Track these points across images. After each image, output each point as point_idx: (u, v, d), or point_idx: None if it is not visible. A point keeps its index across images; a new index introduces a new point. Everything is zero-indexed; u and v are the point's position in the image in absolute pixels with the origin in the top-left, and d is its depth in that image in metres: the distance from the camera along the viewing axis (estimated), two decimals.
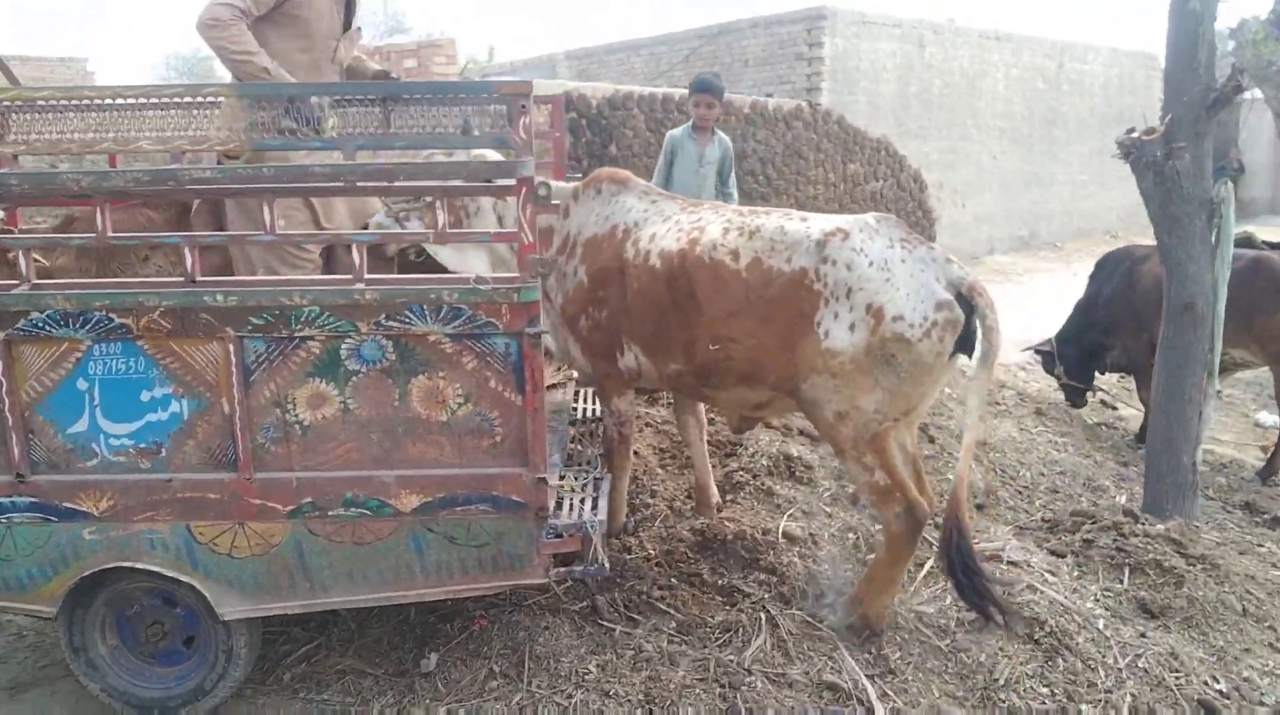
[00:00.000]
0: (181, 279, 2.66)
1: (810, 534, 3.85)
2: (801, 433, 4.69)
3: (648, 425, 4.63)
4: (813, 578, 3.52)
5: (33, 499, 2.78)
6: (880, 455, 3.05)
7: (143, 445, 2.78)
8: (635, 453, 4.36)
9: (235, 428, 2.73)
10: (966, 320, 2.96)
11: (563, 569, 2.89)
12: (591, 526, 2.83)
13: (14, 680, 3.32)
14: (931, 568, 3.67)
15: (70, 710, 3.16)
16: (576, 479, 3.27)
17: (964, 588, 3.05)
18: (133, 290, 2.66)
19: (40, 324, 2.66)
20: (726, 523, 3.78)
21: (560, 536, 2.82)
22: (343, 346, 2.70)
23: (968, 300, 2.97)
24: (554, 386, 4.18)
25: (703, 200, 5.27)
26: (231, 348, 2.68)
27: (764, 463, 4.22)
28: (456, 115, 2.56)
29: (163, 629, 3.01)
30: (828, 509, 4.11)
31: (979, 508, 4.55)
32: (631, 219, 3.43)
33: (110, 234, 2.65)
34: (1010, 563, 3.72)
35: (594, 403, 4.24)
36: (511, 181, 2.60)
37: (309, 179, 2.58)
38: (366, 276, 2.66)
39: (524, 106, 2.54)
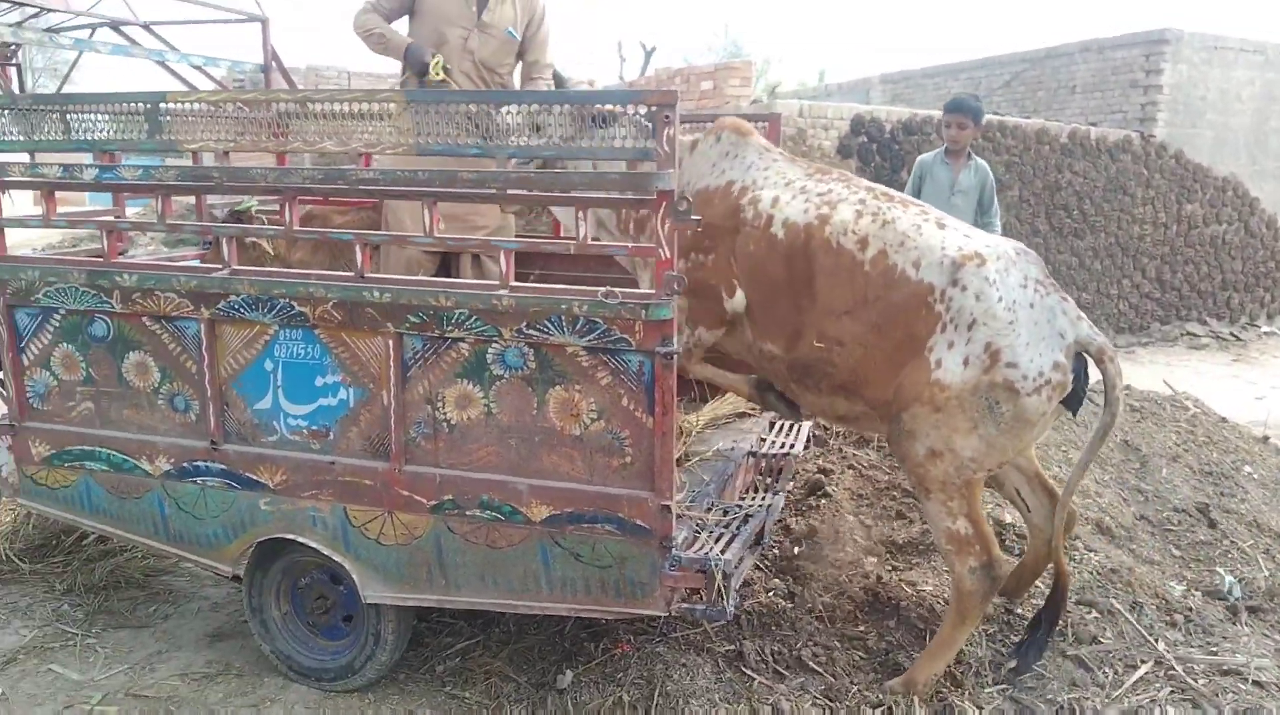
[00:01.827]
0: (351, 274, 2.82)
1: (1007, 611, 3.39)
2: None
3: (850, 467, 4.31)
4: None
5: (223, 466, 3.07)
6: (968, 502, 2.86)
7: (314, 427, 2.97)
8: (827, 495, 4.09)
9: (391, 419, 2.85)
10: (1076, 381, 2.80)
11: (684, 605, 2.74)
12: (715, 565, 2.65)
13: (218, 630, 3.68)
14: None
15: (250, 663, 3.44)
16: (726, 514, 3.10)
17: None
18: (307, 281, 2.86)
19: (237, 306, 2.93)
20: (906, 586, 3.42)
21: (680, 570, 2.67)
22: (489, 351, 2.74)
23: (1097, 362, 2.80)
24: (743, 415, 4.02)
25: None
26: (391, 343, 2.80)
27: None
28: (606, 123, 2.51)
29: (326, 603, 3.21)
30: (1040, 585, 3.60)
31: None
32: (750, 177, 3.15)
33: (295, 228, 2.87)
34: None
35: (788, 435, 4.03)
36: (651, 196, 2.50)
37: (458, 185, 2.64)
38: (512, 283, 2.68)
39: (668, 117, 2.44)
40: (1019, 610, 3.48)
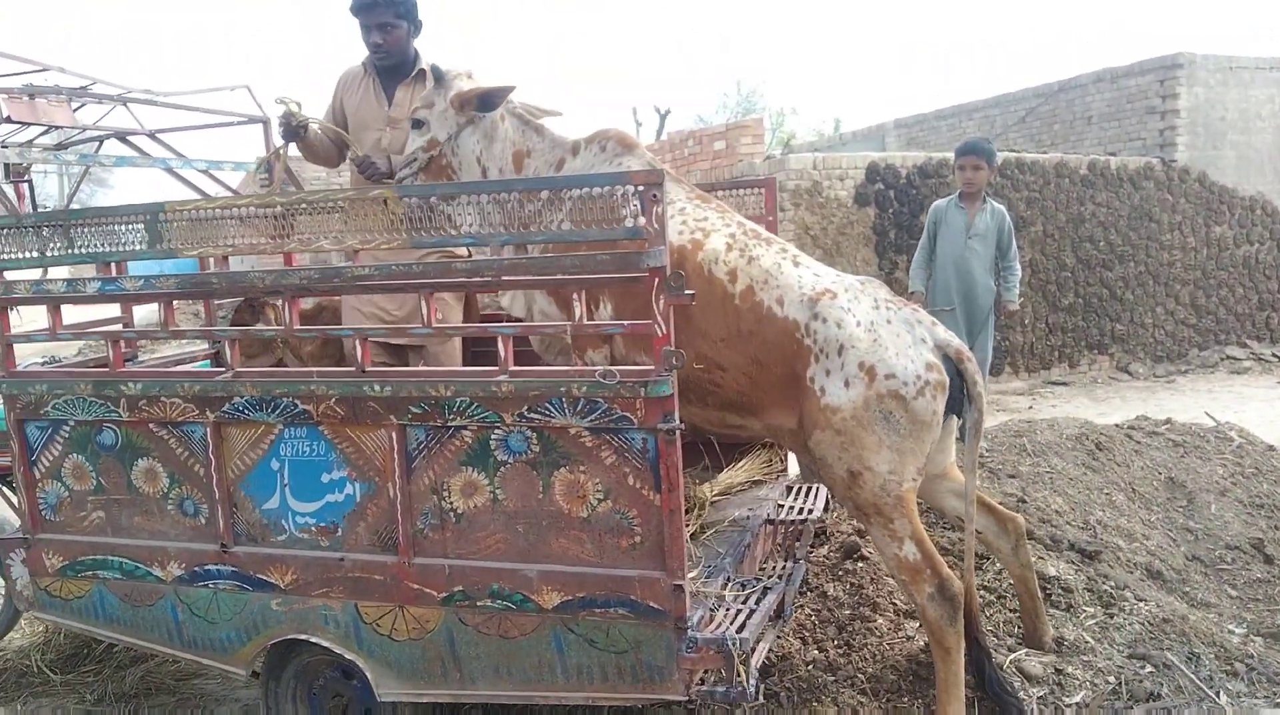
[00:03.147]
0: (353, 369, 2.80)
1: (1056, 671, 3.23)
2: (1071, 547, 4.01)
3: None
4: None
5: (234, 568, 3.03)
6: (909, 522, 2.91)
7: (322, 524, 2.93)
8: (864, 558, 3.96)
9: (398, 512, 2.80)
10: (953, 383, 2.94)
11: (704, 688, 2.63)
12: (733, 644, 2.55)
13: None
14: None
15: None
16: (745, 588, 3.00)
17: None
18: (309, 379, 2.84)
19: (241, 408, 2.92)
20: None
21: (697, 651, 2.57)
22: (492, 437, 2.69)
23: (955, 364, 2.96)
24: (758, 482, 3.92)
25: (976, 277, 4.81)
26: (395, 435, 2.77)
27: (1011, 583, 3.63)
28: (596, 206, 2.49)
29: (342, 701, 3.14)
30: (1090, 640, 3.44)
31: None
32: None
33: (295, 328, 2.87)
34: None
35: (807, 499, 3.92)
36: (643, 273, 2.46)
37: (452, 275, 2.62)
38: (511, 368, 2.65)
39: (655, 196, 2.41)
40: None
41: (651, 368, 2.52)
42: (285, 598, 2.99)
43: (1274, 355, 12.44)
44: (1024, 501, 4.26)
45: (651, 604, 2.59)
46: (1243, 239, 12.32)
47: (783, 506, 3.83)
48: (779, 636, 3.32)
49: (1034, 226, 10.79)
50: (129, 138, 4.38)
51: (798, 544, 3.59)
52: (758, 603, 2.88)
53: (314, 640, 2.96)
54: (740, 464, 4.00)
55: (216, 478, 2.99)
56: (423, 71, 4.00)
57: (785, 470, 4.13)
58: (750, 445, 4.07)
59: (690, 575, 2.93)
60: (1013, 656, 3.26)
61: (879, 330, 2.91)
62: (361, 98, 4.09)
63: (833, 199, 9.63)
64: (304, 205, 2.70)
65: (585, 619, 2.67)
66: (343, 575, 2.90)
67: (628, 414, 2.54)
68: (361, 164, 3.97)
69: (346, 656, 2.91)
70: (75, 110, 4.09)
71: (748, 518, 3.53)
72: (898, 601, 3.64)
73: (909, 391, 2.85)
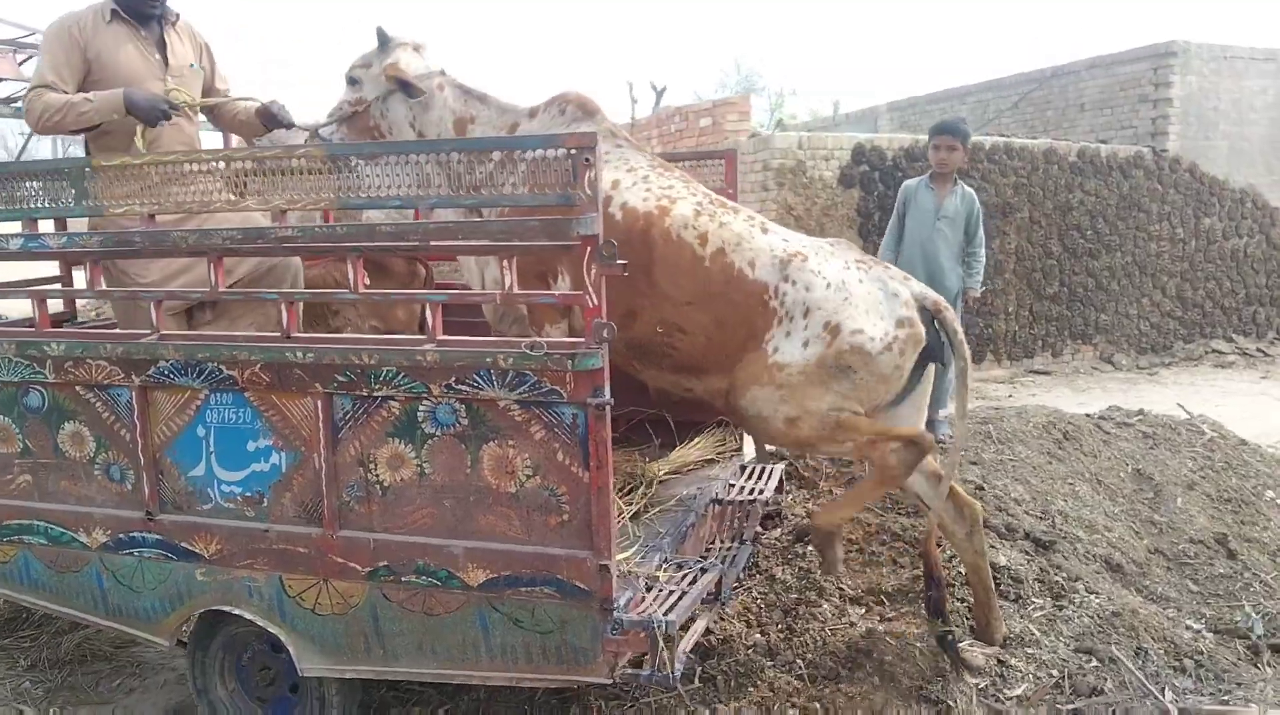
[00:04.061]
0: (278, 334, 2.71)
1: (999, 663, 3.18)
2: (1027, 537, 3.95)
3: None
4: None
5: (159, 536, 2.95)
6: (851, 428, 2.95)
7: (248, 494, 2.85)
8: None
9: (323, 483, 2.72)
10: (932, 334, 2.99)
11: (629, 671, 2.56)
12: (658, 627, 2.48)
13: (180, 704, 3.54)
14: None
15: None
16: (681, 569, 2.92)
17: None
18: (234, 343, 2.75)
19: (166, 372, 2.82)
20: (891, 639, 3.22)
21: (622, 633, 2.50)
22: (420, 408, 2.61)
23: (933, 315, 2.99)
24: (711, 461, 3.85)
25: (943, 260, 4.73)
26: (320, 404, 2.68)
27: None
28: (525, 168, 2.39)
29: (270, 674, 3.07)
30: (1037, 632, 3.38)
31: None
32: None
33: (221, 290, 2.78)
34: None
35: (759, 480, 3.85)
36: (575, 241, 2.37)
37: (377, 238, 2.52)
38: (440, 337, 2.56)
39: (588, 160, 2.32)
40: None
41: (581, 340, 2.43)
42: (210, 568, 2.91)
43: (1259, 350, 12.38)
44: (981, 489, 4.20)
45: (577, 584, 2.52)
46: (1231, 232, 12.23)
47: (734, 486, 3.76)
48: (718, 619, 3.25)
49: (1020, 213, 10.68)
50: None
51: (745, 525, 3.52)
52: (692, 585, 2.80)
53: (237, 612, 2.88)
54: (694, 441, 3.92)
55: (142, 443, 2.90)
56: (179, 15, 3.78)
57: (740, 449, 4.05)
58: (705, 423, 3.99)
59: (625, 555, 2.87)
60: (964, 647, 3.19)
61: (849, 289, 2.94)
62: (120, 48, 3.57)
63: (817, 179, 9.51)
64: (238, 163, 2.60)
65: (511, 598, 2.60)
66: (267, 547, 2.82)
67: (557, 388, 2.45)
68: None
69: (270, 630, 2.84)
70: (20, 64, 3.95)
71: (694, 497, 3.45)
72: (844, 586, 3.59)
73: (875, 346, 2.89)
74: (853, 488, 3.26)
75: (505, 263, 2.47)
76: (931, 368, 3.13)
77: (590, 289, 2.39)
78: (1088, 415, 5.86)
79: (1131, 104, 12.21)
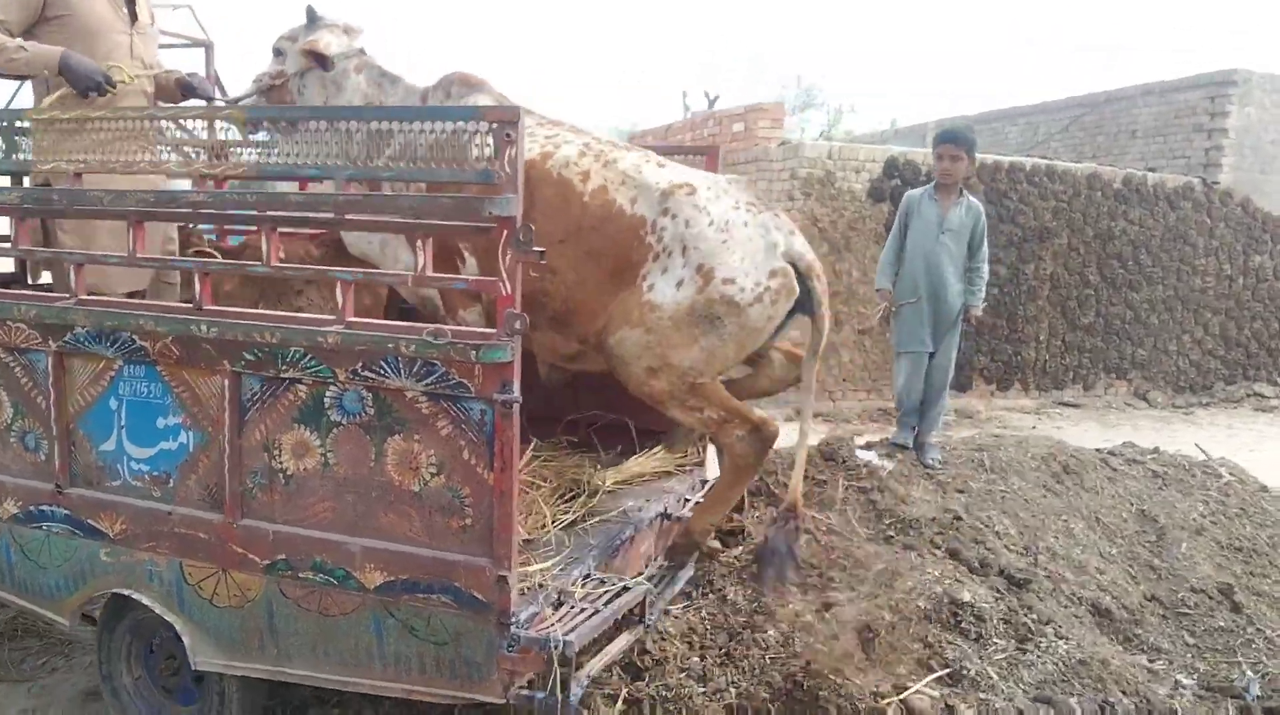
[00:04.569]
0: (189, 306, 2.58)
1: (947, 708, 2.94)
2: (1001, 573, 3.69)
3: (806, 531, 3.88)
4: None
5: (67, 511, 2.83)
6: (705, 398, 2.93)
7: (156, 473, 2.73)
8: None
9: (226, 467, 2.58)
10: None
11: (524, 691, 2.38)
12: (555, 646, 2.30)
13: (98, 686, 3.43)
14: None
15: None
16: (603, 585, 2.74)
17: (768, 561, 3.25)
18: (145, 313, 2.62)
19: (82, 339, 2.71)
20: (832, 676, 3.00)
21: (518, 651, 2.32)
22: (326, 394, 2.46)
23: (805, 277, 2.96)
24: (668, 474, 3.65)
25: (946, 274, 4.48)
26: (228, 382, 2.54)
27: (920, 605, 3.33)
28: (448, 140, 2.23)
29: (176, 663, 2.93)
30: (994, 675, 3.14)
31: None
32: None
33: (140, 257, 2.65)
34: None
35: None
36: (491, 223, 2.20)
37: (290, 208, 2.38)
38: (350, 319, 2.40)
39: (509, 136, 2.15)
40: None
41: (492, 331, 2.26)
42: (114, 548, 2.79)
43: None
44: (960, 519, 3.95)
45: (475, 594, 2.35)
46: None
47: (688, 501, 3.56)
48: (659, 638, 3.06)
49: (1059, 238, 10.32)
50: None
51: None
52: (609, 603, 2.61)
53: (135, 596, 2.76)
54: (654, 452, 3.74)
55: (56, 412, 2.79)
56: None
57: (702, 463, 3.86)
58: (667, 434, 3.80)
59: (542, 566, 2.70)
60: (903, 695, 2.97)
61: (732, 231, 2.88)
62: None
63: (845, 191, 9.25)
64: (161, 124, 2.47)
65: (407, 603, 2.44)
66: (170, 530, 2.69)
67: (465, 381, 2.29)
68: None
69: (166, 618, 2.70)
70: None
71: (639, 510, 3.27)
72: (796, 612, 3.36)
73: (745, 297, 2.84)
74: (713, 488, 3.23)
75: (419, 242, 2.31)
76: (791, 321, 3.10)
77: (505, 275, 2.22)
78: (1097, 450, 5.57)
79: (1185, 133, 11.78)
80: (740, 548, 3.86)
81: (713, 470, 4.06)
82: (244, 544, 2.59)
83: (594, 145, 3.06)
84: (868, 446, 4.70)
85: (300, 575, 2.53)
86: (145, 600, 2.74)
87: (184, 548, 2.68)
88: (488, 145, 2.19)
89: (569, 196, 2.94)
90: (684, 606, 3.48)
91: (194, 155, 2.48)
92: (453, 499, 2.38)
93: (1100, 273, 10.72)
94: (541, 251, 2.21)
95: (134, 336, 2.63)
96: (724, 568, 3.72)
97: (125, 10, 3.49)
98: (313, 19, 3.35)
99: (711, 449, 4.01)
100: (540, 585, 2.58)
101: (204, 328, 2.49)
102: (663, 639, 3.26)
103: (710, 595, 3.59)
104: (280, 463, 2.54)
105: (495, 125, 2.17)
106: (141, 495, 2.74)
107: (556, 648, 2.30)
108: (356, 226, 2.75)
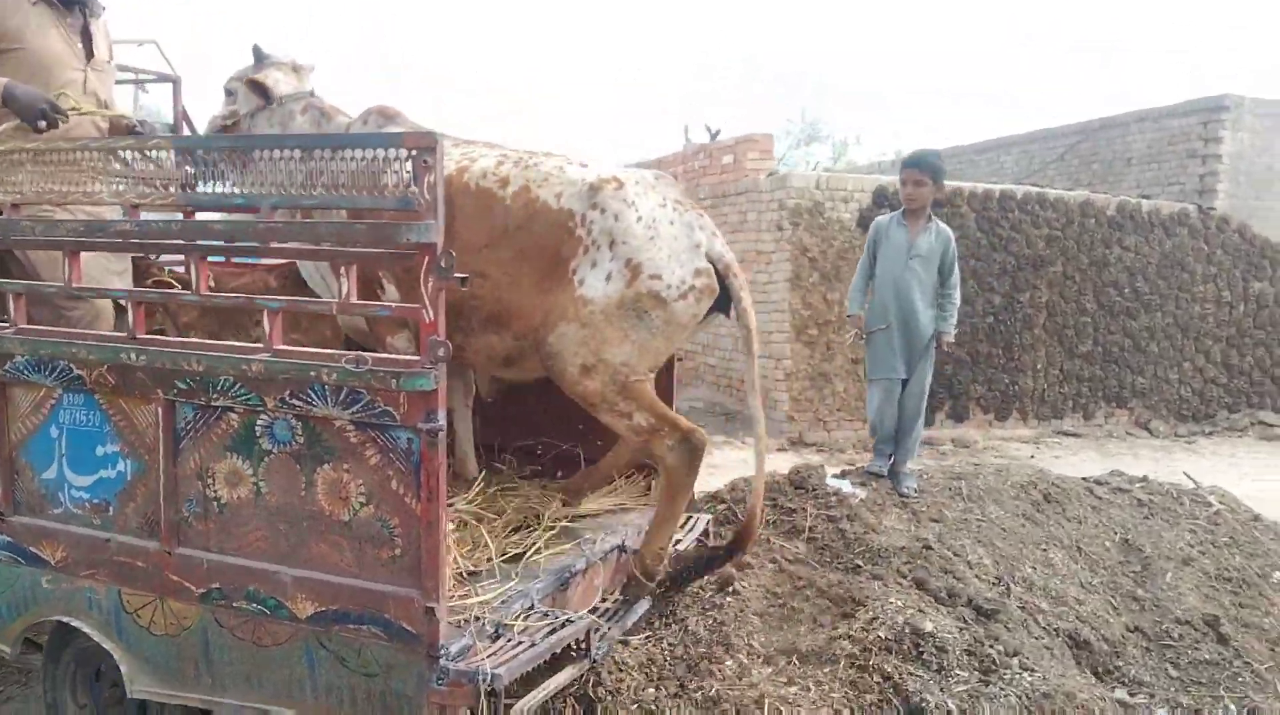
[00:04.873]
0: (122, 335, 2.58)
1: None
2: (969, 603, 3.62)
3: (773, 560, 3.82)
4: None
5: (9, 538, 2.82)
6: (635, 401, 2.96)
7: (95, 501, 2.71)
8: (736, 592, 3.62)
9: (161, 495, 2.56)
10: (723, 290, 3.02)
11: None
12: (484, 679, 2.25)
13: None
14: None
15: None
16: (546, 618, 2.68)
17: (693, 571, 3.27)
18: (81, 341, 2.62)
19: (21, 368, 2.70)
20: (780, 707, 2.93)
21: (447, 684, 2.28)
22: (257, 422, 2.44)
23: (723, 277, 3.01)
24: (625, 509, 3.60)
25: (915, 301, 4.46)
26: (162, 411, 2.53)
27: (882, 635, 3.26)
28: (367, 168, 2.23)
29: (118, 692, 2.89)
30: (953, 708, 3.06)
31: None
32: None
33: (77, 286, 2.65)
34: None
35: (680, 531, 3.60)
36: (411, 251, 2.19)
37: (204, 236, 2.37)
38: (277, 347, 2.39)
39: (427, 162, 2.14)
40: None
41: (415, 358, 2.24)
42: (55, 576, 2.77)
43: None
44: (929, 548, 3.89)
45: (405, 626, 2.31)
46: None
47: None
48: (594, 674, 3.00)
49: (1053, 267, 10.28)
50: None
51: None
52: (548, 637, 2.56)
53: (75, 624, 2.73)
54: (617, 486, 3.70)
55: None
56: (104, 7, 3.62)
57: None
58: (628, 468, 3.76)
59: (483, 599, 2.66)
60: None
61: (659, 228, 2.93)
62: (44, 30, 3.37)
63: (835, 221, 9.25)
64: (84, 154, 2.48)
65: (338, 634, 2.40)
66: (108, 558, 2.67)
67: (390, 408, 2.26)
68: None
69: (104, 645, 2.68)
70: None
71: (594, 542, 3.22)
72: (755, 644, 3.31)
73: (671, 294, 2.90)
74: (655, 513, 3.20)
75: (344, 270, 2.30)
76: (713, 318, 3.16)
77: (427, 302, 2.20)
78: (1084, 478, 5.49)
79: (1179, 159, 11.77)
80: (705, 579, 3.80)
81: None
82: (180, 572, 2.56)
83: (511, 155, 3.11)
84: (842, 474, 4.66)
85: (234, 604, 2.50)
86: (85, 628, 2.72)
87: (122, 576, 2.65)
88: (407, 172, 2.18)
89: (490, 203, 2.98)
90: (645, 637, 3.43)
91: (127, 186, 2.46)
92: (382, 529, 2.34)
93: (1097, 300, 10.65)
94: (464, 278, 2.20)
95: (71, 365, 2.63)
96: (688, 598, 3.67)
97: (80, 46, 3.48)
98: (260, 58, 3.38)
99: None
100: (476, 618, 2.53)
101: (134, 356, 2.48)
102: (620, 670, 3.20)
103: (673, 625, 3.54)
104: (214, 491, 2.52)
105: (414, 152, 2.17)
106: (82, 523, 2.72)
107: (485, 681, 2.25)
108: (279, 255, 2.74)
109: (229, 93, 3.44)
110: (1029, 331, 10.32)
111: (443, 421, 2.23)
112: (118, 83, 4.27)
